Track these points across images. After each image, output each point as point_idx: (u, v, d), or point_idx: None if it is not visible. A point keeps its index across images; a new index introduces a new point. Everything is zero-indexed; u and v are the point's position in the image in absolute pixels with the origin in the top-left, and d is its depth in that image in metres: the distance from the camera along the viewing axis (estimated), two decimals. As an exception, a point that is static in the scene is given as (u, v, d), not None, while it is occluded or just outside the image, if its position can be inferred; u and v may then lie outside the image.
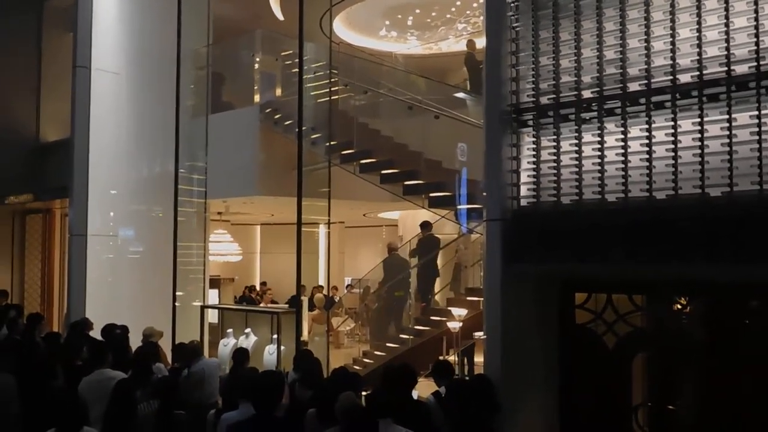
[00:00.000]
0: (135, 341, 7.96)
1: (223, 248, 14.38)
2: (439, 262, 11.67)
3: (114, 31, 10.97)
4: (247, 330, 9.57)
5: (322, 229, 13.47)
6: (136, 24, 11.15)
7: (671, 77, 4.74)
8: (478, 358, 9.16)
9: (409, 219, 13.65)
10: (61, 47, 14.30)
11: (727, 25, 4.51)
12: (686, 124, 4.66)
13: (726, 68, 4.51)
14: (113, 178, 10.87)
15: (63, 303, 13.34)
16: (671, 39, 4.76)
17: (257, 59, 12.22)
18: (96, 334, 8.26)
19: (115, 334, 7.96)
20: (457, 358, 9.02)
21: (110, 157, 10.76)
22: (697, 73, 4.63)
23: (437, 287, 11.22)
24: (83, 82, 10.47)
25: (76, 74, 10.52)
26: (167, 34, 10.78)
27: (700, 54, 4.63)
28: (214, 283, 14.01)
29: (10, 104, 14.61)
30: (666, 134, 4.74)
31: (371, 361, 9.76)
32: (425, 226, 10.54)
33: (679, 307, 5.32)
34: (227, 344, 9.43)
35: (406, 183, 8.98)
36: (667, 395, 5.19)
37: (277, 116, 10.69)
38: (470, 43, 12.13)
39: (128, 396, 5.16)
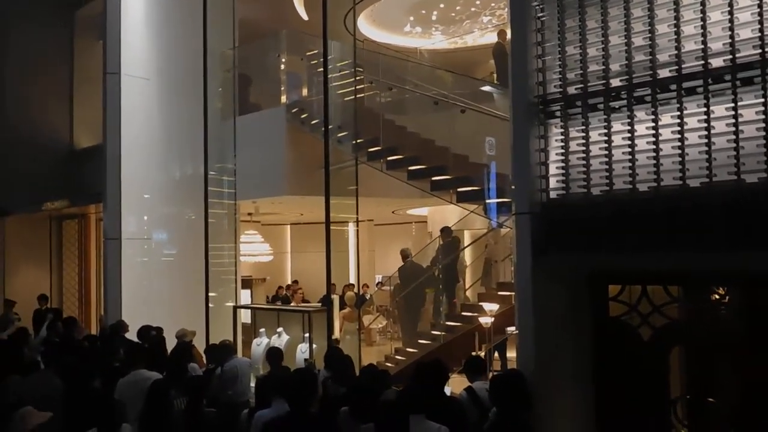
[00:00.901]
0: (170, 342, 8.08)
1: (254, 249, 14.52)
2: (468, 257, 11.62)
3: (142, 38, 11.14)
4: (279, 329, 9.64)
5: (351, 228, 13.51)
6: (164, 29, 11.31)
7: (703, 62, 4.62)
8: (511, 353, 9.09)
9: (438, 215, 13.61)
10: (92, 55, 14.62)
11: (760, 5, 4.38)
12: (719, 109, 4.54)
13: (760, 50, 4.38)
14: (146, 182, 11.05)
15: (100, 306, 13.62)
16: (702, 23, 4.63)
17: (283, 60, 12.29)
18: (132, 335, 8.41)
19: (151, 335, 8.10)
20: (489, 354, 8.95)
21: (142, 162, 10.94)
22: (730, 57, 4.50)
23: (468, 282, 11.17)
24: (114, 88, 10.66)
25: (106, 81, 10.72)
26: (194, 38, 10.92)
27: (732, 37, 4.50)
28: (246, 283, 14.15)
29: (45, 112, 14.97)
30: (699, 120, 4.62)
31: (403, 358, 9.76)
32: (445, 231, 10.57)
33: (717, 297, 5.19)
34: (260, 344, 9.52)
35: (434, 178, 8.95)
36: (707, 388, 5.07)
37: (303, 116, 10.73)
38: (501, 34, 11.97)
39: (163, 395, 5.24)
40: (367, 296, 14.10)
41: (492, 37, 13.10)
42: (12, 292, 14.00)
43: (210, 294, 10.60)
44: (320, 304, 11.62)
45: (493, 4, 13.45)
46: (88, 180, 13.75)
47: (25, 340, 8.07)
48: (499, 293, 9.22)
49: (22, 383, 6.05)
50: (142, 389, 5.67)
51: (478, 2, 13.37)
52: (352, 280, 14.38)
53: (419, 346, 9.64)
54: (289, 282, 17.37)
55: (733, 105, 4.47)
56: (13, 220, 14.73)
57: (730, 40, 4.51)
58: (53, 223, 15.30)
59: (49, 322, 9.21)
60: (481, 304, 9.07)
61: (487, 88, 10.74)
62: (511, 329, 8.67)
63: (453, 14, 13.96)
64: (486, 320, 8.58)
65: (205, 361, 8.00)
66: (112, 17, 10.82)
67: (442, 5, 13.65)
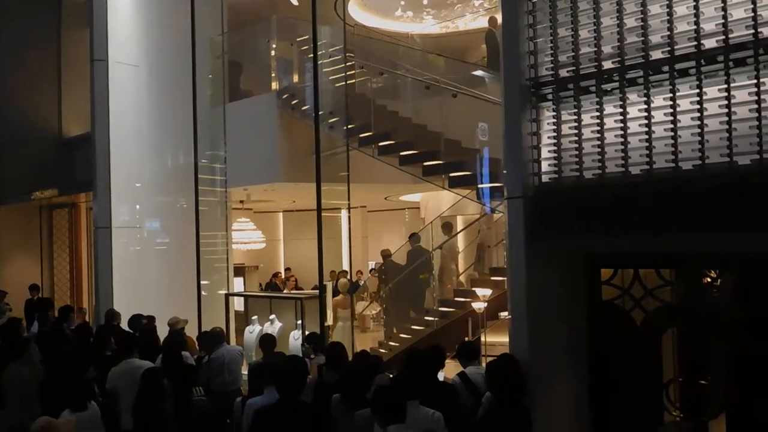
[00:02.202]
0: (162, 331, 8.05)
1: (246, 236, 14.45)
2: (461, 243, 11.62)
3: (130, 24, 11.00)
4: (272, 317, 9.62)
5: (344, 214, 13.46)
6: (152, 15, 11.17)
7: (695, 43, 4.57)
8: (504, 338, 9.10)
9: (431, 201, 13.57)
10: (79, 43, 14.44)
11: (752, -15, 4.33)
12: (712, 91, 4.50)
13: (753, 31, 4.33)
14: (136, 171, 10.96)
15: (92, 295, 13.56)
16: (695, 3, 4.58)
17: (273, 46, 12.17)
18: (124, 325, 8.37)
19: (142, 324, 8.06)
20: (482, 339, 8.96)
21: (132, 150, 10.84)
22: (723, 37, 4.45)
23: (461, 267, 11.17)
24: (101, 75, 10.55)
25: (94, 68, 10.58)
26: (183, 24, 10.80)
27: (725, 17, 4.45)
28: (239, 271, 14.12)
29: (33, 101, 14.82)
30: (691, 102, 4.58)
31: (397, 344, 9.76)
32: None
33: (709, 280, 5.18)
34: (252, 331, 9.50)
35: (426, 164, 8.90)
36: (699, 370, 5.08)
37: (294, 102, 10.65)
38: (492, 20, 11.96)
39: (156, 383, 5.21)
40: (361, 283, 14.09)
41: (484, 21, 13.00)
42: (3, 283, 13.91)
43: (202, 282, 10.56)
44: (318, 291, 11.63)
45: (484, -12, 13.35)
46: (77, 169, 13.66)
47: (18, 330, 8.00)
48: (492, 278, 9.21)
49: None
50: (134, 378, 5.65)
51: (469, -15, 13.27)
52: (345, 266, 14.35)
53: (412, 332, 9.64)
54: (283, 270, 17.35)
55: (726, 86, 4.43)
56: (2, 210, 14.62)
57: (723, 21, 4.46)
58: (43, 213, 15.20)
59: (38, 315, 9.14)
60: (474, 289, 9.06)
61: (479, 72, 10.68)
62: (505, 314, 8.67)
63: (444, -2, 13.84)
64: (479, 305, 8.58)
65: (198, 349, 7.99)
66: (99, 3, 10.69)
67: (433, -11, 13.54)
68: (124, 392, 5.84)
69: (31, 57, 14.73)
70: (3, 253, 14.67)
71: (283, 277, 15.67)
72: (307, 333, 6.94)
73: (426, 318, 9.70)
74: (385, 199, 15.17)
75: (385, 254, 11.83)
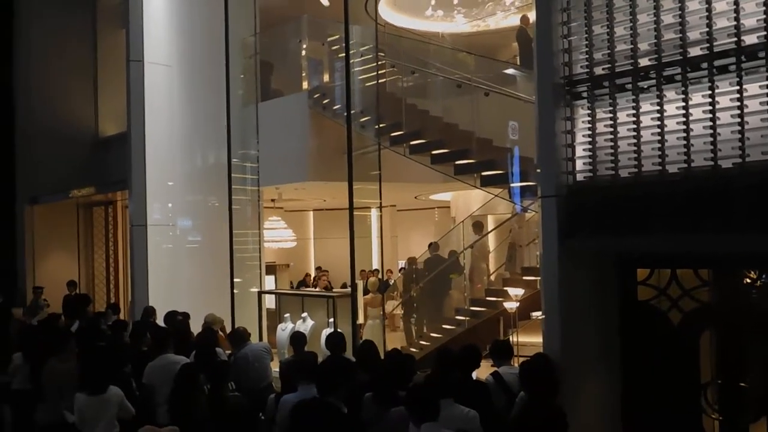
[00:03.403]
0: (195, 328, 8.15)
1: (277, 235, 14.57)
2: (492, 242, 11.56)
3: (164, 25, 11.16)
4: (304, 314, 9.68)
5: (374, 213, 13.48)
6: (186, 16, 11.32)
7: (735, 39, 4.49)
8: (536, 339, 9.03)
9: (462, 199, 13.52)
10: (115, 43, 14.71)
11: (795, -20, 4.24)
12: (752, 87, 4.41)
13: (795, 26, 4.24)
14: (170, 169, 11.12)
15: (127, 292, 13.82)
16: (734, -2, 4.50)
17: (304, 45, 12.25)
18: (159, 321, 8.51)
19: (177, 320, 8.18)
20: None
21: (166, 149, 11.00)
22: (764, 33, 4.36)
23: (492, 267, 11.12)
24: (137, 75, 10.71)
25: (129, 68, 10.76)
26: (216, 24, 10.94)
27: (766, 13, 4.36)
28: (270, 269, 14.23)
29: (70, 101, 15.16)
30: (731, 99, 4.50)
31: (428, 343, 9.75)
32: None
33: (749, 281, 5.08)
34: (285, 329, 9.56)
35: (458, 162, 8.87)
36: (738, 372, 4.99)
37: (325, 101, 10.70)
38: (524, 18, 11.88)
39: (193, 379, 5.30)
40: (391, 282, 14.10)
41: (515, 20, 12.90)
42: (41, 279, 14.27)
43: (235, 280, 10.67)
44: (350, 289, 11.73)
45: (516, -15, 13.24)
46: (113, 167, 13.92)
47: (57, 326, 8.19)
48: (524, 278, 9.15)
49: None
50: (169, 373, 5.75)
51: (500, -16, 13.17)
52: (375, 265, 14.38)
53: (443, 331, 9.63)
54: (313, 268, 17.45)
55: (767, 83, 4.34)
56: (41, 208, 14.97)
57: (764, 16, 4.37)
58: (81, 210, 15.52)
59: (80, 314, 9.29)
60: (505, 288, 9.01)
61: (510, 71, 10.60)
62: (537, 314, 8.61)
63: (475, -4, 13.77)
64: (511, 305, 8.53)
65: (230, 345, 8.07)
66: (134, 4, 10.86)
67: (464, -13, 13.47)
68: (160, 387, 5.94)
69: (67, 57, 15.07)
70: (41, 250, 15.03)
71: (312, 276, 15.75)
72: (326, 333, 6.94)
73: (457, 317, 9.67)
74: (415, 198, 15.16)
75: (411, 261, 12.08)
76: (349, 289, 9.43)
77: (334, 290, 12.13)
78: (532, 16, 11.99)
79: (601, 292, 5.36)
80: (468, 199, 12.69)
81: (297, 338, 7.05)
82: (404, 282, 11.83)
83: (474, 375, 5.35)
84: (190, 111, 11.27)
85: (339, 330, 7.82)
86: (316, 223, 18.63)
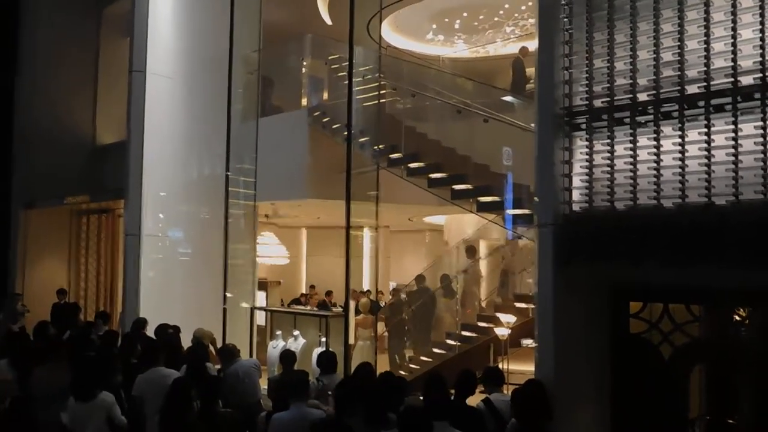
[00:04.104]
0: (185, 341, 8.12)
1: (270, 251, 14.55)
2: (484, 269, 11.60)
3: (168, 37, 11.23)
4: (296, 332, 9.66)
5: (366, 233, 13.51)
6: (190, 30, 11.40)
7: (732, 79, 4.60)
8: (526, 366, 9.05)
9: (455, 223, 13.59)
10: (116, 53, 14.79)
11: (793, 25, 4.35)
12: (747, 127, 4.51)
13: (792, 70, 4.35)
14: (165, 180, 11.10)
15: (118, 301, 13.75)
16: (732, 40, 4.61)
17: (305, 63, 12.35)
18: (149, 333, 8.47)
19: (168, 333, 8.14)
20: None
21: (162, 159, 10.99)
22: (760, 75, 4.47)
23: (483, 293, 11.15)
24: (139, 86, 10.74)
25: (132, 78, 10.80)
26: (219, 39, 11.02)
27: (763, 56, 4.47)
28: (261, 285, 14.15)
29: (69, 108, 15.16)
30: (726, 138, 4.59)
31: (417, 367, 9.74)
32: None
33: (739, 318, 5.14)
34: (276, 346, 9.54)
35: (455, 187, 8.94)
36: (727, 408, 5.02)
37: (325, 119, 10.78)
38: (523, 49, 12.13)
39: (185, 393, 5.28)
40: (382, 303, 14.08)
41: (514, 48, 13.11)
42: (31, 285, 14.17)
43: (227, 294, 10.64)
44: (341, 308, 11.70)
45: (516, 15, 13.45)
46: (108, 176, 13.90)
47: (45, 333, 8.14)
48: (516, 305, 9.18)
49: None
50: (160, 386, 5.72)
51: (501, 12, 13.37)
52: (366, 286, 14.36)
53: (434, 355, 9.62)
54: (305, 285, 17.40)
55: (762, 124, 4.43)
56: (36, 213, 14.90)
57: (760, 59, 4.48)
58: (74, 218, 15.46)
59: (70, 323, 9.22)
60: (497, 315, 9.04)
61: (508, 98, 10.73)
62: (527, 341, 8.64)
63: (476, 23, 13.97)
64: (503, 332, 8.55)
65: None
66: (140, 16, 10.92)
67: (465, 14, 13.66)
68: (150, 399, 5.91)
69: (69, 63, 15.09)
70: (32, 256, 14.93)
71: (302, 296, 15.68)
72: (317, 353, 6.91)
73: (448, 341, 9.68)
74: (409, 219, 15.21)
75: (398, 290, 12.29)
76: (341, 309, 9.42)
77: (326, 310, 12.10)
78: (531, 47, 12.27)
79: (594, 323, 5.40)
80: (461, 223, 12.76)
81: (287, 356, 7.04)
82: (391, 310, 11.81)
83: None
84: (188, 123, 11.28)
85: (331, 349, 7.80)
86: (309, 241, 18.62)
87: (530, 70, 12.07)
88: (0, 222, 15.49)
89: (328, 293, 14.88)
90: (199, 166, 11.55)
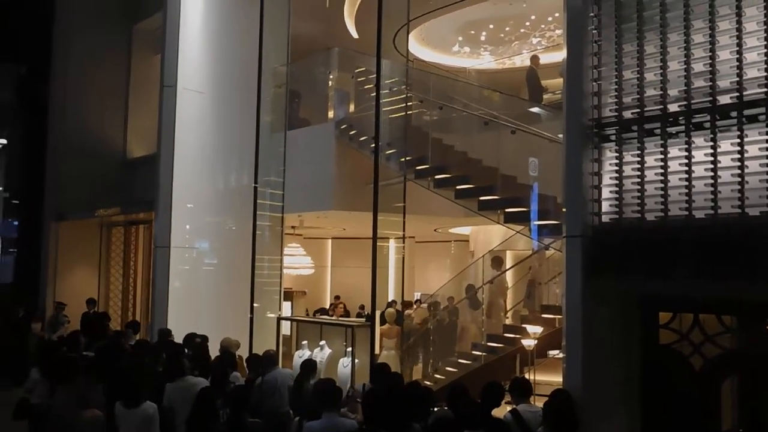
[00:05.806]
0: (213, 350, 8.20)
1: (296, 261, 14.65)
2: (510, 279, 11.54)
3: (199, 53, 11.44)
4: (322, 342, 9.70)
5: (392, 244, 13.53)
6: (219, 45, 11.60)
7: (766, 89, 4.56)
8: (553, 377, 8.97)
9: (482, 234, 13.55)
10: (147, 68, 15.10)
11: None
12: (781, 137, 4.47)
13: (825, 80, 4.31)
14: (193, 193, 11.26)
15: (145, 312, 13.94)
16: (765, 50, 4.59)
17: (332, 76, 12.47)
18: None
19: (196, 343, 8.24)
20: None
21: (192, 172, 11.16)
22: (793, 85, 4.44)
23: (509, 303, 11.10)
24: (170, 101, 10.93)
25: (163, 93, 11.00)
26: (248, 53, 11.20)
27: (795, 65, 4.45)
28: (287, 295, 14.26)
29: (100, 122, 15.49)
30: (759, 148, 4.56)
31: (442, 377, 9.70)
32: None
33: (772, 329, 5.07)
34: (302, 356, 9.60)
35: (482, 198, 8.94)
36: (760, 421, 4.94)
37: (352, 132, 10.86)
38: (534, 59, 12.12)
39: (210, 403, 5.34)
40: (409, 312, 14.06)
41: (543, 58, 13.09)
42: (62, 295, 14.41)
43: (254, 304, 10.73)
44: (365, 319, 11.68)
45: (542, 26, 13.45)
46: (139, 188, 14.15)
47: (77, 344, 8.26)
48: (543, 316, 9.12)
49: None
50: (189, 395, 5.80)
51: (528, 24, 13.38)
52: (391, 296, 14.36)
53: (459, 366, 9.59)
54: (329, 296, 17.47)
55: (795, 134, 4.40)
56: (67, 225, 15.20)
57: (793, 69, 4.45)
58: (104, 229, 15.74)
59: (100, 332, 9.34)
60: (524, 326, 8.99)
61: (535, 109, 10.73)
62: (554, 352, 8.57)
63: (502, 35, 13.99)
64: (529, 342, 8.50)
65: (246, 370, 8.11)
66: (171, 32, 11.14)
67: (491, 26, 13.70)
68: (179, 409, 5.98)
69: (101, 78, 15.43)
70: (63, 267, 15.22)
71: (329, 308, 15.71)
72: (343, 362, 6.91)
73: (473, 352, 9.64)
74: (435, 230, 15.21)
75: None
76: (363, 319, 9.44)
77: (352, 319, 12.12)
78: (542, 57, 12.29)
79: (623, 333, 5.37)
80: (488, 234, 12.72)
81: (307, 365, 7.10)
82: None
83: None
84: (217, 136, 11.45)
85: (356, 359, 7.81)
86: (334, 252, 18.71)
87: (546, 82, 12.10)
88: (32, 234, 15.87)
89: (362, 307, 14.93)
90: (226, 178, 11.70)
